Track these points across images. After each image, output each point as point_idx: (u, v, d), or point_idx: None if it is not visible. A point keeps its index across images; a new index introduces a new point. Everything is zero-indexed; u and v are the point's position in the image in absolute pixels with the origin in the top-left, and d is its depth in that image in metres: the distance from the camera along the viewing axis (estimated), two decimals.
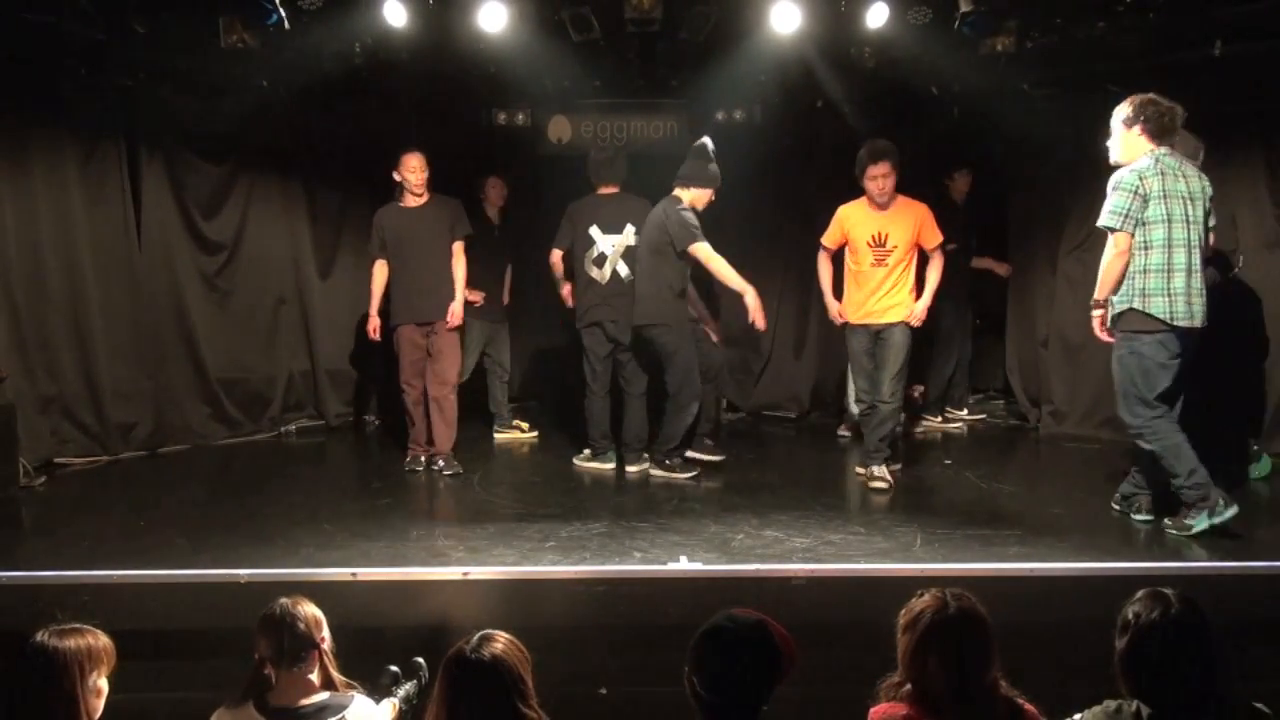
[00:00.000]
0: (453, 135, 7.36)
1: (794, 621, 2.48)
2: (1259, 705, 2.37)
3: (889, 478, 5.69)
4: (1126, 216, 4.53)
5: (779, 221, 7.80)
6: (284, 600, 2.80)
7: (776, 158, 7.65)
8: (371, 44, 6.29)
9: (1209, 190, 4.67)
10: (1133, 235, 4.55)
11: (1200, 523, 4.56)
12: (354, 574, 4.22)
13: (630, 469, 6.01)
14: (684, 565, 4.37)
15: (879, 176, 5.59)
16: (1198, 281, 4.59)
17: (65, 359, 6.13)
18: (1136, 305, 4.57)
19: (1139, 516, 4.92)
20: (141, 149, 6.45)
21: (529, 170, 7.73)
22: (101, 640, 2.56)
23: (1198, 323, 4.60)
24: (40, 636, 2.51)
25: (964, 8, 5.84)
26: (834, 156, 7.41)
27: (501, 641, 2.41)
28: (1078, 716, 2.49)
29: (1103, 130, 4.78)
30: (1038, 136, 6.68)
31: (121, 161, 6.36)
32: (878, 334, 5.79)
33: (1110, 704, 2.41)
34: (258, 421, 7.19)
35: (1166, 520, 4.77)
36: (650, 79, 7.15)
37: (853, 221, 5.77)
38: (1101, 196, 5.03)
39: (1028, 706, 2.47)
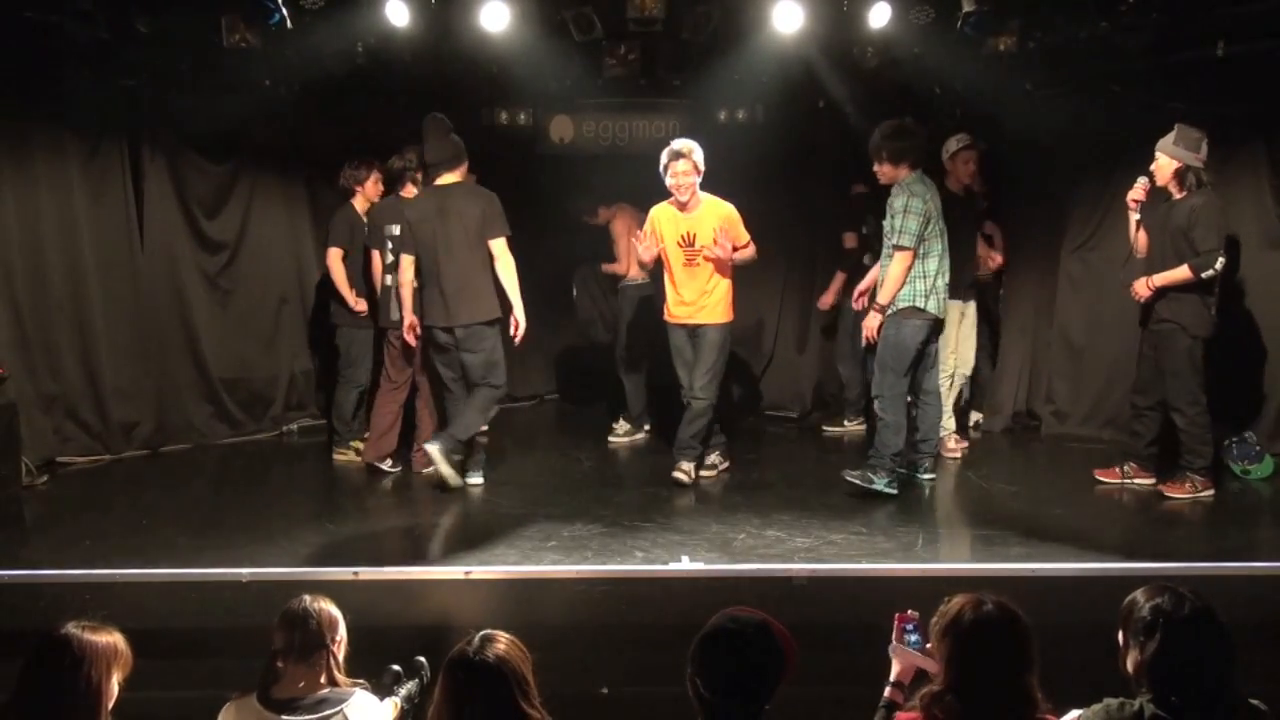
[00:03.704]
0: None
1: (796, 621, 2.49)
2: (1257, 703, 2.37)
3: (691, 474, 5.78)
4: (920, 237, 5.36)
5: (781, 221, 7.80)
6: (307, 597, 2.85)
7: (778, 157, 7.64)
8: (374, 43, 6.29)
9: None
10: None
11: (880, 483, 5.45)
12: (356, 573, 4.22)
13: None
14: (686, 565, 4.37)
15: (678, 174, 5.61)
16: (946, 278, 5.53)
17: (67, 358, 6.14)
18: (918, 304, 5.44)
19: (925, 476, 5.76)
20: (144, 148, 6.46)
21: (530, 170, 7.73)
22: (124, 646, 2.59)
23: (943, 314, 5.59)
24: (71, 628, 2.52)
25: (966, 7, 5.83)
26: (836, 156, 7.44)
27: (504, 642, 2.41)
28: (1076, 713, 2.48)
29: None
30: (1040, 136, 6.68)
31: (124, 161, 6.36)
32: (692, 331, 5.82)
33: (1112, 702, 2.40)
34: (259, 421, 7.18)
35: (849, 471, 5.52)
36: (652, 79, 7.15)
37: (662, 222, 5.78)
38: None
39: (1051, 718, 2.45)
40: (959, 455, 6.41)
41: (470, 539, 4.80)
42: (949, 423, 6.56)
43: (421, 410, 6.08)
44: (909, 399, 5.67)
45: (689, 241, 5.71)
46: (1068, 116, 6.54)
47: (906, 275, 5.40)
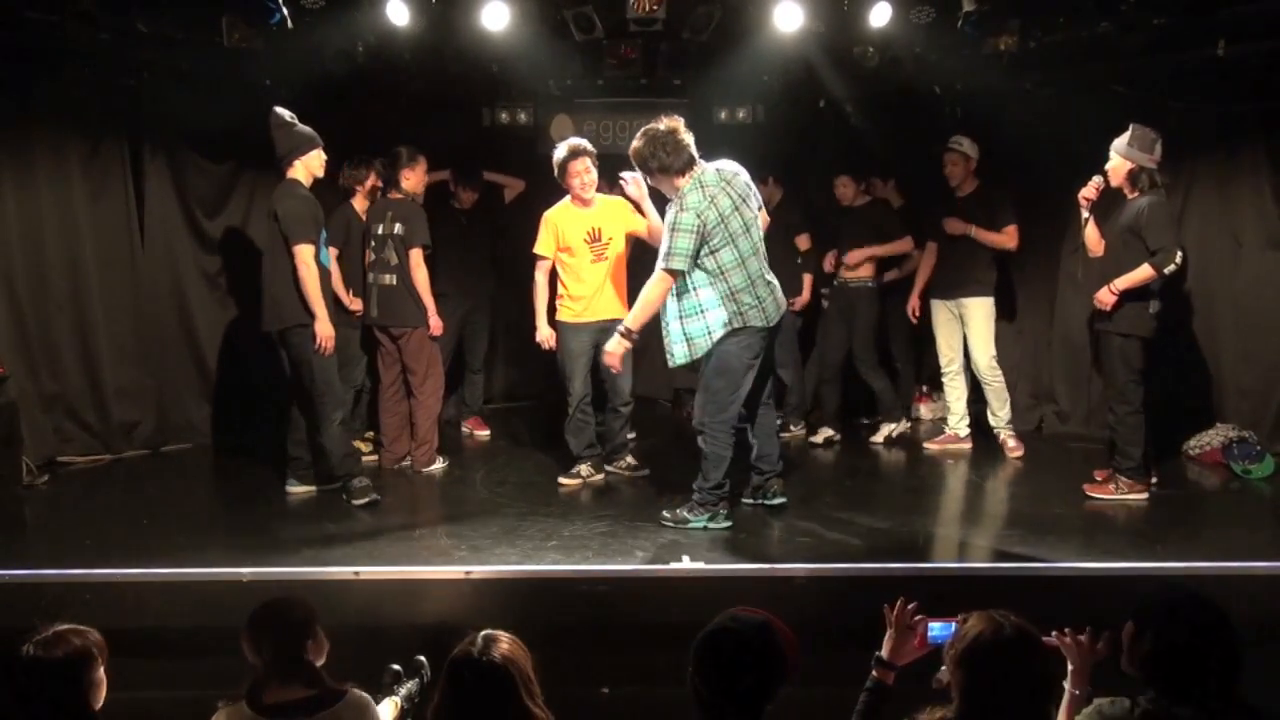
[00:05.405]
0: (455, 134, 7.36)
1: (797, 621, 2.48)
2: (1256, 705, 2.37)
3: (637, 462, 5.96)
4: (690, 257, 4.65)
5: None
6: (271, 600, 2.81)
7: (779, 157, 7.64)
8: (374, 43, 6.29)
9: (749, 180, 4.88)
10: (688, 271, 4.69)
11: (698, 523, 4.90)
12: (356, 573, 4.23)
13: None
14: (686, 565, 4.38)
15: (580, 173, 5.57)
16: (769, 279, 4.86)
17: (68, 357, 6.15)
18: (736, 325, 4.73)
19: (775, 501, 5.21)
20: (144, 148, 6.47)
21: (530, 170, 7.73)
22: (91, 638, 2.56)
23: (774, 321, 4.86)
24: (30, 650, 2.47)
25: (967, 7, 5.83)
26: (836, 156, 7.43)
27: (506, 641, 2.41)
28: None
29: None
30: (1040, 136, 6.68)
31: (124, 160, 6.37)
32: (602, 330, 5.63)
33: (1103, 702, 2.40)
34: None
35: (666, 512, 5.01)
36: (652, 79, 7.15)
37: (564, 223, 5.73)
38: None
39: None
40: (958, 451, 6.41)
41: (470, 539, 4.80)
42: (960, 425, 6.55)
43: (418, 409, 6.09)
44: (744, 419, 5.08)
45: (596, 237, 5.69)
46: (1068, 116, 6.53)
47: (663, 299, 4.76)
